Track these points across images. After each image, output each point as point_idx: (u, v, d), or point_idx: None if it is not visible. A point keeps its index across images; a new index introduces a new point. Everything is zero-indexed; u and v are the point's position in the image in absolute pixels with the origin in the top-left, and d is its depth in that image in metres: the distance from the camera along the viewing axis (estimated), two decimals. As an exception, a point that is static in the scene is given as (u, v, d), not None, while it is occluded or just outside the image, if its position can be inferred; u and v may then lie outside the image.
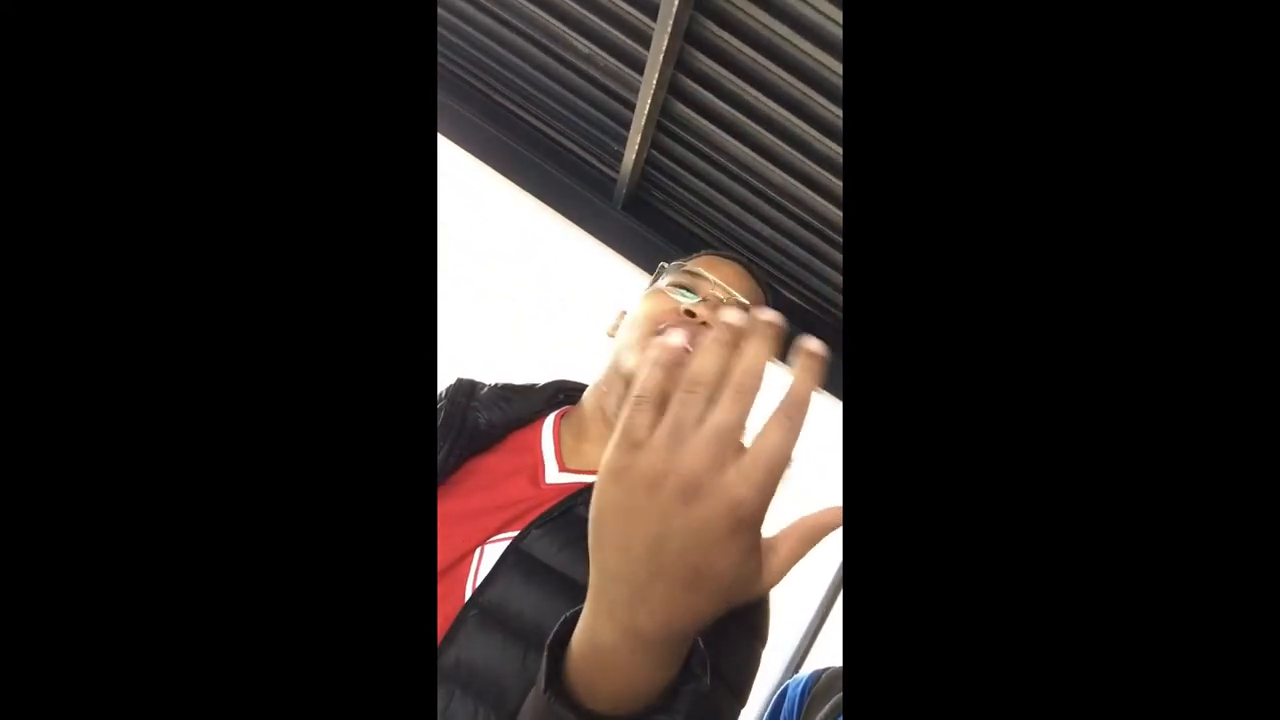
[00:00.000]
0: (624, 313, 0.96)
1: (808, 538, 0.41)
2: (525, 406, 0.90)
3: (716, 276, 0.91)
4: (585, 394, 0.92)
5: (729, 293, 0.90)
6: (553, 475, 0.82)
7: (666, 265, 0.98)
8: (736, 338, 0.39)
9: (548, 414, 0.91)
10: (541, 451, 0.86)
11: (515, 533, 0.76)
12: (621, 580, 0.40)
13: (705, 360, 0.38)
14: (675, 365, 0.39)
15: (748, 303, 0.91)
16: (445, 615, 0.71)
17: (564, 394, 0.94)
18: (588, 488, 0.77)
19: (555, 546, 0.73)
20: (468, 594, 0.73)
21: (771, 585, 0.41)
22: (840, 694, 1.31)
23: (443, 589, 0.72)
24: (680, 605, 0.39)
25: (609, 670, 0.42)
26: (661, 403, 0.39)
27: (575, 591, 0.67)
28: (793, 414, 0.38)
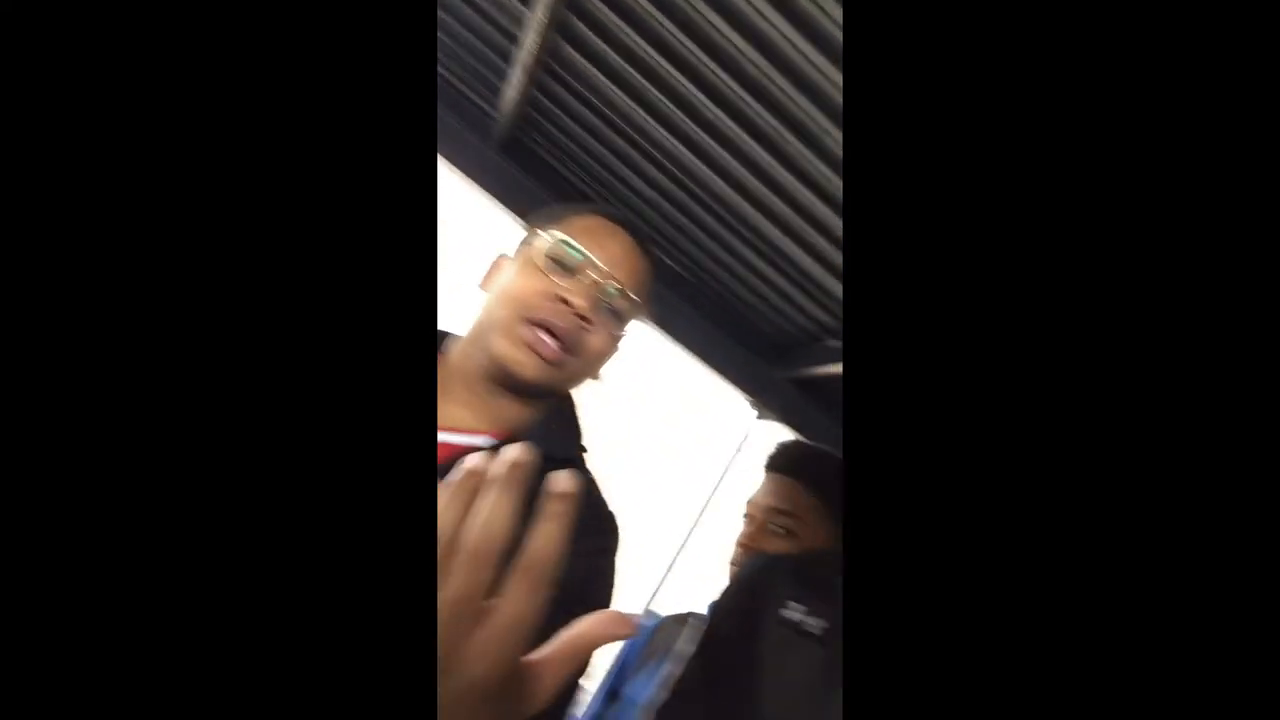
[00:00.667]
0: (501, 259, 0.89)
1: (574, 656, 0.37)
2: None
3: (598, 254, 0.82)
4: (451, 347, 0.86)
5: (608, 274, 0.81)
6: None
7: (540, 223, 0.88)
8: (476, 485, 0.35)
9: None
10: None
11: None
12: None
13: (441, 517, 0.35)
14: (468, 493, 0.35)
15: (626, 288, 0.83)
16: None
17: None
18: (446, 450, 0.75)
19: None
20: None
21: (543, 707, 0.37)
22: (678, 644, 1.35)
23: None
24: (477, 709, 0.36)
25: None
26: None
27: None
28: (534, 575, 0.34)
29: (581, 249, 0.82)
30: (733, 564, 1.21)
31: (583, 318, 0.79)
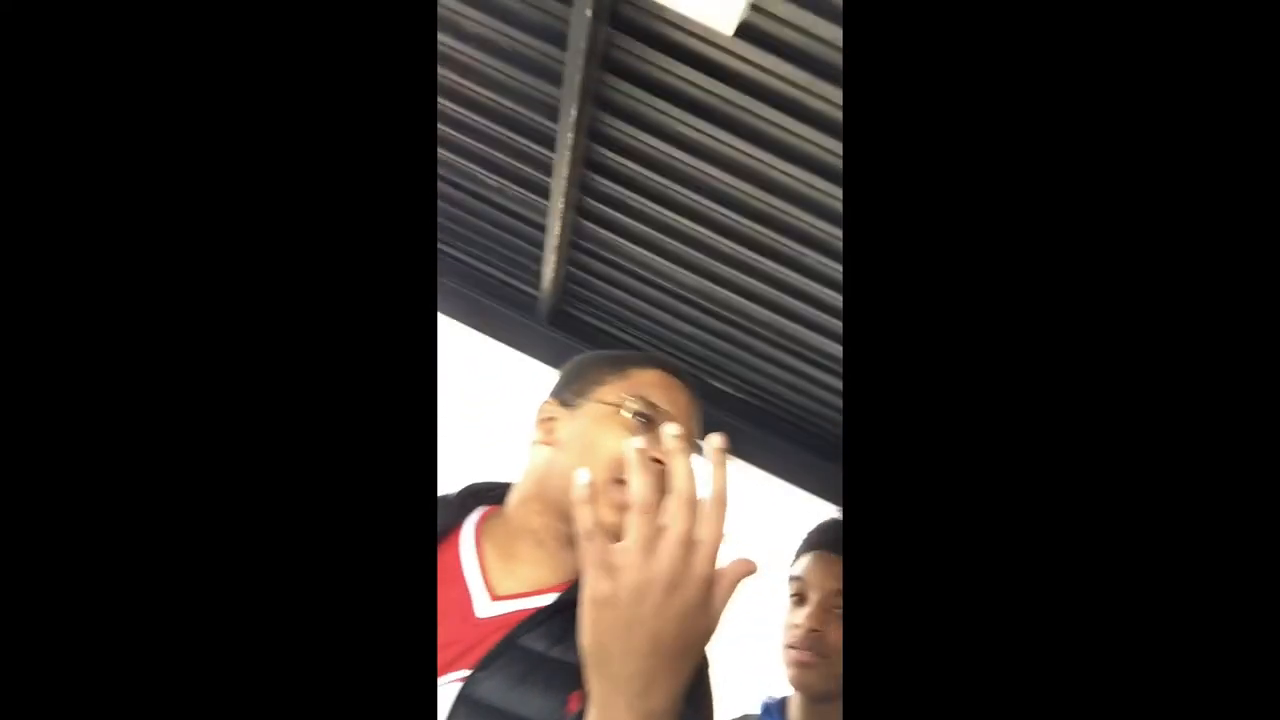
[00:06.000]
0: (550, 420, 0.84)
1: (730, 588, 0.52)
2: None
3: (671, 405, 0.81)
4: (510, 504, 0.83)
5: (683, 426, 0.74)
6: (483, 608, 0.75)
7: (600, 376, 0.83)
8: (650, 457, 0.51)
9: (462, 523, 0.82)
10: (465, 579, 0.76)
11: (458, 674, 0.69)
12: (634, 679, 0.51)
13: (644, 487, 0.51)
14: (594, 501, 0.52)
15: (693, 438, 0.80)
16: None
17: (474, 497, 0.85)
18: (531, 617, 0.72)
19: (505, 687, 0.68)
20: None
21: (718, 623, 0.53)
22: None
23: None
24: (681, 674, 0.52)
25: None
26: (608, 531, 0.52)
27: None
28: (721, 504, 0.51)
29: (656, 401, 0.80)
30: (795, 647, 1.15)
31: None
